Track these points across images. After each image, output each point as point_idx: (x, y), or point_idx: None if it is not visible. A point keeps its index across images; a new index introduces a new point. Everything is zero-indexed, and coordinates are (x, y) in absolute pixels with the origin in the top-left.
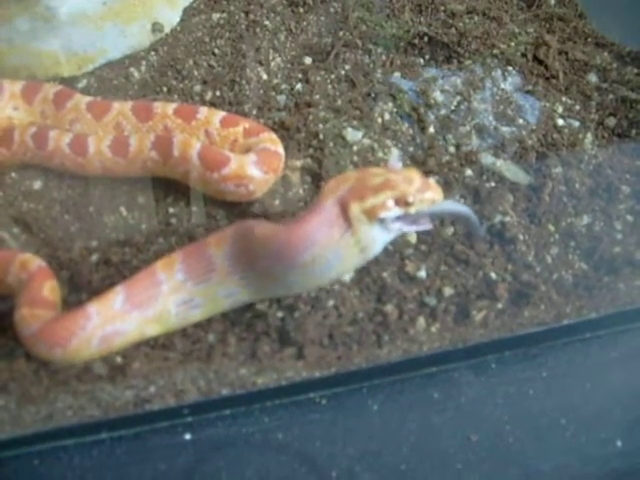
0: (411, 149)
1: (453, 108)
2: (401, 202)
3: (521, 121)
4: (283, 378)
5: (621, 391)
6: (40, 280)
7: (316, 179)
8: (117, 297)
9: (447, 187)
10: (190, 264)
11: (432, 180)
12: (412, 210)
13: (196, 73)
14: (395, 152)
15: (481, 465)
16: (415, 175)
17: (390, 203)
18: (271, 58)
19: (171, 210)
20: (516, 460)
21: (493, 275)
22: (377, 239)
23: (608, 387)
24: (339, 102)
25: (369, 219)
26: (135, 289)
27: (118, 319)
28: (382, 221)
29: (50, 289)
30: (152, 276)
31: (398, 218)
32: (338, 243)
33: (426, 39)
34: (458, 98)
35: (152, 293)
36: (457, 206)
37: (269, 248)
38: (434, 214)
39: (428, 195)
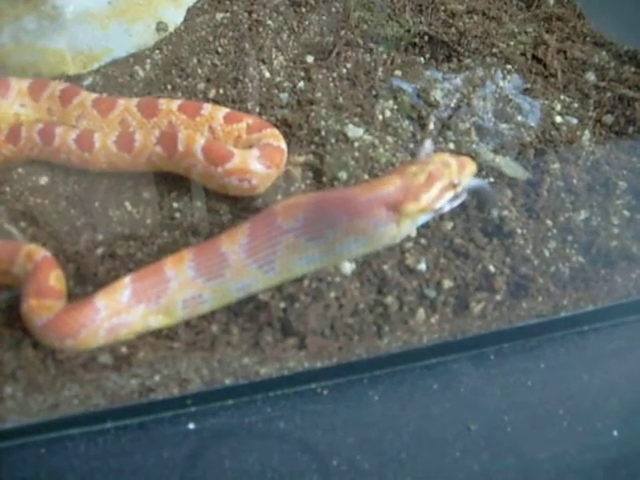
0: (411, 146)
1: (453, 106)
2: (450, 187)
3: (520, 118)
4: (285, 368)
5: (617, 382)
6: (46, 270)
7: (317, 175)
8: (125, 291)
9: None
10: (201, 262)
11: (462, 156)
12: (460, 189)
13: (200, 71)
14: (428, 143)
15: (480, 454)
16: (448, 157)
17: (442, 192)
18: (274, 57)
19: (175, 205)
20: (514, 449)
21: (492, 268)
22: (418, 224)
23: (605, 378)
24: (340, 100)
25: (424, 213)
26: (143, 284)
27: (124, 312)
28: (436, 210)
29: (56, 278)
30: (161, 272)
31: (448, 201)
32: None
33: (426, 38)
34: (458, 96)
35: (160, 289)
36: (480, 181)
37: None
38: (468, 189)
39: (468, 170)
